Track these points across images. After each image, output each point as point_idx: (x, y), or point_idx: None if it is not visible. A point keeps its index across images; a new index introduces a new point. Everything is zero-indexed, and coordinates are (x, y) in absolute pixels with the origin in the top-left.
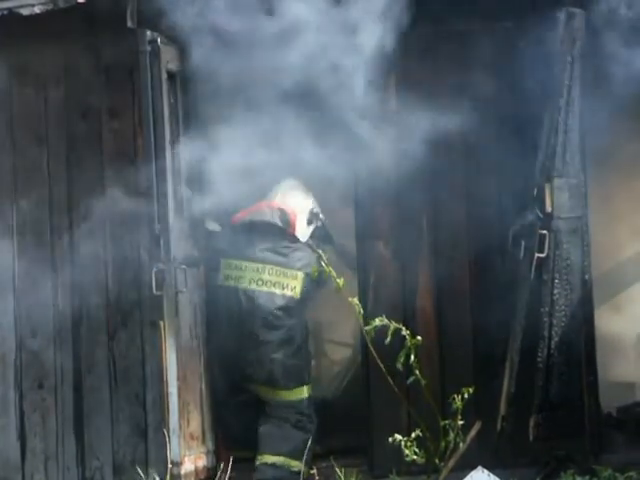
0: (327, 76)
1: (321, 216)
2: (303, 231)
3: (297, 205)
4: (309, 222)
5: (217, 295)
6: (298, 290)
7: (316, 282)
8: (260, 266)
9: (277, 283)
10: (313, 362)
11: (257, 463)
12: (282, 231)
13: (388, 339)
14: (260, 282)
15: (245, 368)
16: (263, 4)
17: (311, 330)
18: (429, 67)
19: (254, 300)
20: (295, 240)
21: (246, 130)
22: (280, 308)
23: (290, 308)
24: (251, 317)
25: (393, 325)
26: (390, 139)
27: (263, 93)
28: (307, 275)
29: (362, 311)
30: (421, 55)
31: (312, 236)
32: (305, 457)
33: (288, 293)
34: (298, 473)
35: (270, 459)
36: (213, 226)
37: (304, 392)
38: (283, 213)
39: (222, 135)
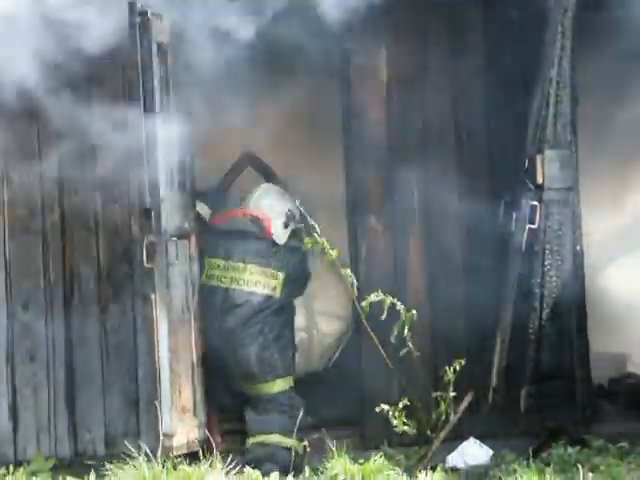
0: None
1: (300, 216)
2: (279, 235)
3: (271, 209)
4: (285, 225)
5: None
6: (278, 290)
7: (296, 283)
8: (242, 265)
9: (258, 282)
10: (296, 355)
11: (247, 446)
12: (258, 238)
13: (384, 314)
14: (242, 282)
15: (227, 365)
16: None
17: (302, 303)
18: (419, 38)
19: (235, 299)
20: (273, 244)
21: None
22: (261, 307)
23: (271, 307)
24: (232, 316)
25: (389, 299)
26: (380, 111)
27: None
28: (288, 276)
29: (355, 282)
30: (411, 24)
31: (292, 237)
32: (295, 434)
33: (269, 292)
34: (289, 449)
35: (259, 438)
36: (203, 210)
37: (285, 384)
38: (256, 219)
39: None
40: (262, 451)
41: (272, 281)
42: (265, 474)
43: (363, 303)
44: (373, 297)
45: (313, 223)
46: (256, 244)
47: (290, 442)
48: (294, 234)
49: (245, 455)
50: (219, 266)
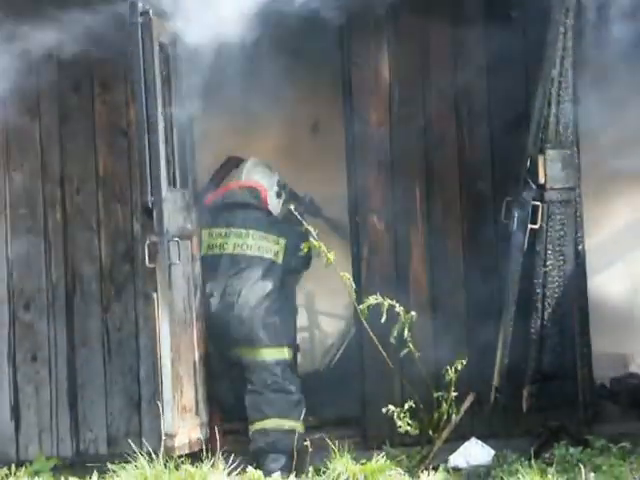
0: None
1: (314, 208)
2: (274, 205)
3: (264, 181)
4: (278, 195)
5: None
6: (280, 256)
7: (298, 253)
8: (244, 231)
9: (261, 247)
10: (297, 327)
11: (250, 433)
12: (256, 208)
13: (384, 318)
14: (245, 246)
15: (229, 331)
16: None
17: (303, 303)
18: (421, 38)
19: (239, 263)
20: (270, 214)
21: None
22: (264, 271)
23: (273, 272)
24: (236, 280)
25: (387, 302)
26: (382, 112)
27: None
28: (289, 243)
29: (353, 285)
30: (413, 25)
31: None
32: (296, 415)
33: (271, 257)
34: (292, 431)
35: (259, 425)
36: None
37: (284, 353)
38: (253, 191)
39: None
40: (263, 440)
41: (274, 246)
42: (272, 465)
43: (362, 307)
44: (372, 300)
45: (308, 227)
46: (255, 213)
47: (288, 424)
48: (286, 206)
49: (250, 445)
50: (221, 234)
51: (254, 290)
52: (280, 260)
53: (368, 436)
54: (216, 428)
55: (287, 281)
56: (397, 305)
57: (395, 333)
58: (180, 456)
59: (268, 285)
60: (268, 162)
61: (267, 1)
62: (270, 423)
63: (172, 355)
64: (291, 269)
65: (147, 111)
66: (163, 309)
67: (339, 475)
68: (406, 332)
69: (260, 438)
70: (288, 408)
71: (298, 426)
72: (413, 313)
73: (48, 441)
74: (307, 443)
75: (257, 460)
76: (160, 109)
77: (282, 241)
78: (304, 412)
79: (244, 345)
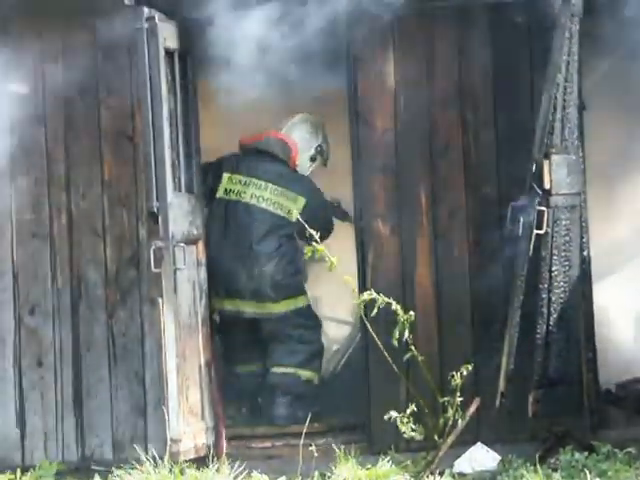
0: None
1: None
2: (304, 165)
3: (302, 140)
4: (312, 159)
5: (214, 207)
6: (294, 213)
7: (316, 216)
8: (263, 184)
9: (277, 203)
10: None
11: (270, 372)
12: (283, 162)
13: (374, 311)
14: (261, 199)
15: (235, 282)
16: None
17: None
18: (426, 43)
19: (254, 214)
20: (296, 172)
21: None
22: (277, 226)
23: (285, 227)
24: (247, 231)
25: (381, 298)
26: (388, 116)
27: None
28: (307, 203)
29: (356, 289)
30: (418, 29)
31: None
32: (315, 366)
33: (285, 214)
34: (309, 381)
35: (279, 369)
36: None
37: (298, 302)
38: (284, 145)
39: None
40: (280, 380)
41: (292, 204)
42: (280, 410)
43: (356, 302)
44: (366, 296)
45: (311, 231)
46: (280, 167)
47: (309, 375)
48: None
49: (267, 378)
50: (240, 182)
51: (262, 245)
52: (293, 217)
53: (373, 441)
54: (221, 433)
55: (298, 232)
56: (394, 303)
57: (396, 334)
58: (185, 461)
59: (277, 242)
60: (323, 121)
61: (278, 10)
62: (290, 370)
63: (177, 360)
64: (307, 223)
65: (153, 116)
66: (168, 314)
67: None
68: (406, 333)
69: (277, 377)
70: (310, 359)
71: (315, 377)
72: (412, 313)
73: (54, 446)
74: (312, 448)
75: (267, 397)
76: (166, 114)
77: (301, 200)
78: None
79: (251, 300)
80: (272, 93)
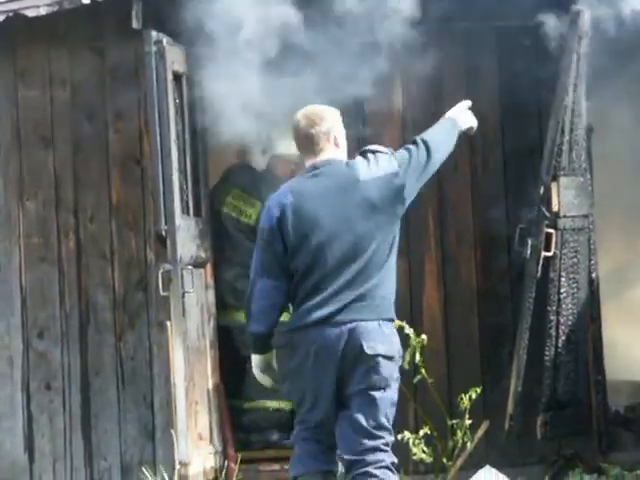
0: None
1: None
2: (258, 159)
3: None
4: (263, 152)
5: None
6: (254, 218)
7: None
8: (231, 190)
9: (236, 207)
10: None
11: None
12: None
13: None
14: (231, 206)
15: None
16: None
17: None
18: (434, 65)
19: (226, 227)
20: (254, 170)
21: None
22: (238, 233)
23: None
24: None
25: (396, 322)
26: (396, 139)
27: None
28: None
29: None
30: (426, 51)
31: None
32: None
33: (246, 221)
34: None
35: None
36: None
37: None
38: None
39: None
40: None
41: (250, 210)
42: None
43: None
44: None
45: None
46: (243, 169)
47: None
48: None
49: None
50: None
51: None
52: (253, 221)
53: None
54: (231, 456)
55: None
56: (406, 326)
57: (408, 357)
58: None
59: (240, 246)
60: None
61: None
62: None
63: (186, 383)
64: None
65: (161, 139)
66: (177, 337)
67: None
68: (417, 356)
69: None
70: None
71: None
72: (424, 336)
73: (62, 470)
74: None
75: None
76: (174, 137)
77: (259, 204)
78: None
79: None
80: (279, 114)
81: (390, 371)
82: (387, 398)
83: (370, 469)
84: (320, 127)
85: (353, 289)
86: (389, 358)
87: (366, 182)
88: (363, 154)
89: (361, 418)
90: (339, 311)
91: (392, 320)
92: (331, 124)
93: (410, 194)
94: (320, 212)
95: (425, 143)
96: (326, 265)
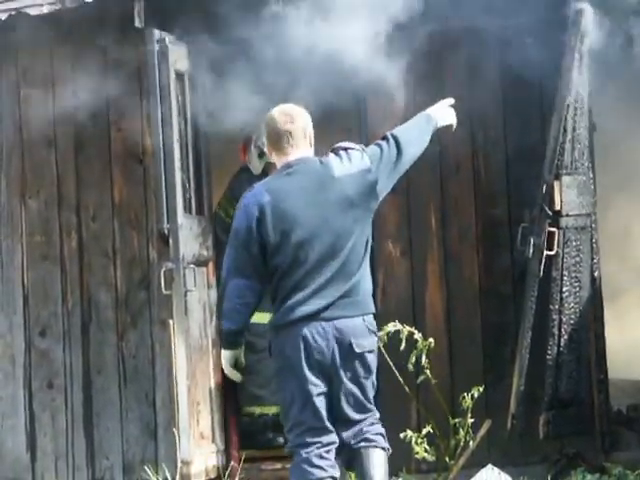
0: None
1: None
2: (254, 164)
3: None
4: (260, 155)
5: None
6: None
7: None
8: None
9: (225, 208)
10: None
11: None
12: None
13: (403, 345)
14: (222, 208)
15: None
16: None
17: None
18: (434, 62)
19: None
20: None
21: None
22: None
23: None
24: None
25: (406, 330)
26: None
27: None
28: None
29: None
30: (428, 53)
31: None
32: None
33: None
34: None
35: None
36: None
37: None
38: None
39: None
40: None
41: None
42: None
43: (381, 334)
44: (391, 327)
45: None
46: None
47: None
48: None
49: None
50: None
51: None
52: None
53: None
54: (234, 455)
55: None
56: (416, 332)
57: (413, 359)
58: None
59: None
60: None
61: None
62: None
63: (188, 382)
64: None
65: (163, 138)
66: (179, 336)
67: None
68: (424, 359)
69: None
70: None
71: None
72: (431, 340)
73: (64, 469)
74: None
75: None
76: (176, 136)
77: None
78: None
79: None
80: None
81: (373, 361)
82: (370, 382)
83: (368, 435)
84: (298, 123)
85: (336, 285)
86: (372, 351)
87: (341, 179)
88: (335, 151)
89: (351, 399)
90: (325, 308)
91: (372, 314)
92: (307, 122)
93: (383, 189)
94: (299, 210)
95: (395, 138)
96: (307, 262)
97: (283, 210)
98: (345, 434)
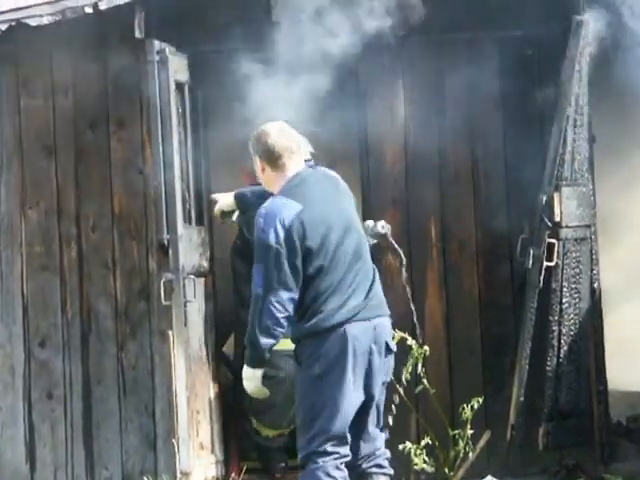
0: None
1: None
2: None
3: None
4: None
5: None
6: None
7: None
8: None
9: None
10: None
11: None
12: None
13: (394, 346)
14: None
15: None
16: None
17: None
18: (436, 74)
19: None
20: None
21: None
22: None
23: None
24: None
25: (398, 334)
26: (398, 147)
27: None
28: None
29: None
30: (428, 60)
31: None
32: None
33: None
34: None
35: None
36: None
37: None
38: None
39: None
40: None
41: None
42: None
43: None
44: None
45: None
46: None
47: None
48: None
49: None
50: None
51: None
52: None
53: None
54: (234, 466)
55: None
56: (409, 338)
57: (409, 368)
58: None
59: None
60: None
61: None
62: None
63: (188, 393)
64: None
65: (163, 148)
66: (179, 347)
67: None
68: (419, 367)
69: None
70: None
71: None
72: (426, 347)
73: (63, 479)
74: None
75: None
76: (176, 146)
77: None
78: None
79: None
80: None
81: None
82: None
83: (380, 461)
84: (296, 138)
85: (363, 286)
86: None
87: (343, 186)
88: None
89: (374, 410)
90: (362, 308)
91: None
92: (299, 136)
93: None
94: (329, 212)
95: None
96: (345, 262)
97: (317, 214)
98: (359, 448)
